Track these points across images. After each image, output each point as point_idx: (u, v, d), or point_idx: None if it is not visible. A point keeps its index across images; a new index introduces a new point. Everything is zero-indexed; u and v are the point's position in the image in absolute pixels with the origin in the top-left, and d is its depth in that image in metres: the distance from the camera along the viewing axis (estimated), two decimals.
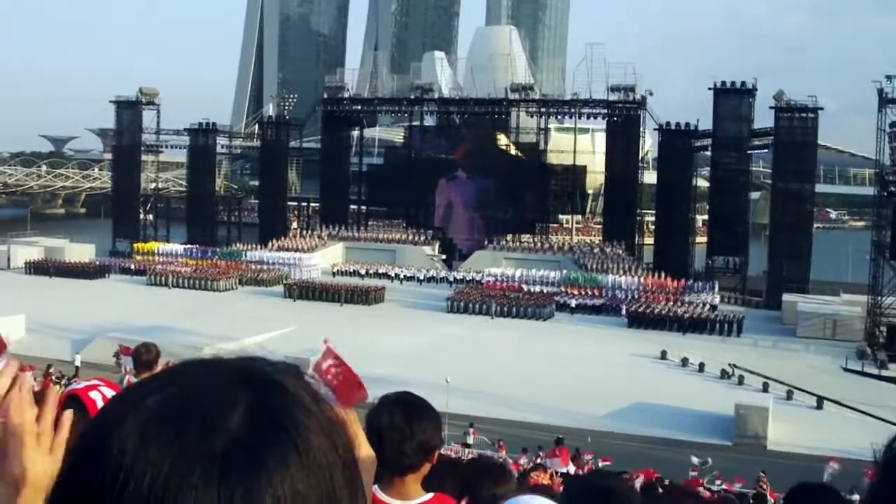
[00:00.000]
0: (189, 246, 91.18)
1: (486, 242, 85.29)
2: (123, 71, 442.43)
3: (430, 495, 4.13)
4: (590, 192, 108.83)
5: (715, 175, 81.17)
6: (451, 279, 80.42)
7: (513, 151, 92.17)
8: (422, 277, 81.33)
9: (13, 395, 1.80)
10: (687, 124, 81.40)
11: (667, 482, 22.28)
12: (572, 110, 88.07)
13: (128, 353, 28.14)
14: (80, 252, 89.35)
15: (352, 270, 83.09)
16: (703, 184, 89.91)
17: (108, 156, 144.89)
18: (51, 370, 40.88)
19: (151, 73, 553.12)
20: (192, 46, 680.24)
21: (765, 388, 47.55)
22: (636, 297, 71.30)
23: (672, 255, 78.30)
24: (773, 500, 26.00)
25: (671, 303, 69.26)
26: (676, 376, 50.81)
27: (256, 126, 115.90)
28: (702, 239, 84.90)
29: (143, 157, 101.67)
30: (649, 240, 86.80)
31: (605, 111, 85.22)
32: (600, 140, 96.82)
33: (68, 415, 1.86)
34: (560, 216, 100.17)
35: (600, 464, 29.92)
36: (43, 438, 1.76)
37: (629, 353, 54.71)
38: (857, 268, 78.67)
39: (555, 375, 48.23)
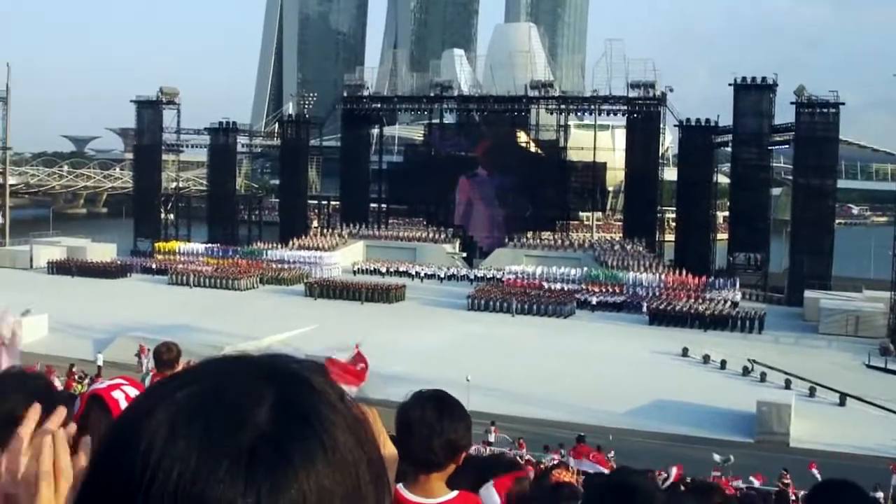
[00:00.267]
0: (210, 245, 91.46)
1: (506, 240, 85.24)
2: (144, 70, 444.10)
3: (455, 493, 4.08)
4: (610, 188, 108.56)
5: (735, 171, 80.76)
6: (472, 277, 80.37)
7: (533, 149, 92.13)
8: (442, 275, 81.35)
9: (47, 443, 1.77)
10: (707, 120, 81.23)
11: (688, 480, 22.23)
12: (592, 107, 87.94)
13: (144, 352, 28.37)
14: (102, 252, 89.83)
15: (372, 269, 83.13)
16: (723, 180, 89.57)
17: (129, 155, 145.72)
18: (73, 369, 41.15)
19: (171, 72, 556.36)
20: (211, 46, 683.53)
21: (787, 385, 47.33)
22: (657, 294, 71.09)
23: (693, 252, 78.13)
24: (794, 497, 25.94)
25: (692, 300, 69.01)
26: (698, 373, 50.60)
27: (276, 125, 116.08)
28: (723, 235, 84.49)
29: (164, 157, 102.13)
30: (670, 237, 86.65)
31: (625, 108, 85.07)
32: (620, 137, 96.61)
33: (61, 412, 1.85)
34: (580, 213, 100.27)
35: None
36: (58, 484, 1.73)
37: (650, 351, 54.54)
38: (879, 264, 78.27)
39: (576, 373, 48.16)
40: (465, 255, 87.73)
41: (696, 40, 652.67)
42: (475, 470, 4.98)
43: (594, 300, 71.06)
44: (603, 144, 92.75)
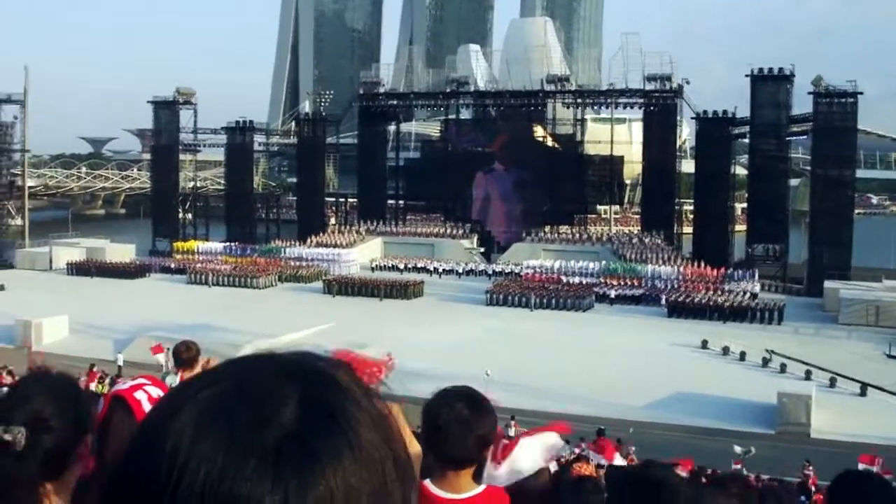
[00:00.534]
0: (228, 244, 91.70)
1: (524, 234, 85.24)
2: (160, 71, 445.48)
3: (482, 488, 4.11)
4: (627, 182, 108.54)
5: (753, 162, 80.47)
6: (490, 272, 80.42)
7: (549, 143, 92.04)
8: (460, 271, 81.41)
9: None
10: (724, 112, 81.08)
11: (709, 471, 22.22)
12: (609, 100, 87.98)
13: (157, 351, 28.35)
14: (121, 252, 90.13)
15: (390, 265, 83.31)
16: (741, 171, 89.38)
17: (147, 156, 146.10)
18: (94, 369, 41.30)
19: (187, 72, 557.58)
20: (227, 46, 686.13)
21: (807, 376, 47.12)
22: (676, 286, 70.96)
23: (711, 244, 77.94)
24: (814, 488, 25.86)
25: (711, 292, 68.85)
26: (718, 365, 50.48)
27: (293, 123, 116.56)
28: (741, 227, 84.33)
29: (181, 157, 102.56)
30: (688, 229, 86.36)
31: (642, 101, 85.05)
32: (637, 130, 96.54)
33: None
34: (598, 207, 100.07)
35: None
36: None
37: (669, 343, 54.43)
38: None
39: (595, 366, 48.05)
40: (482, 250, 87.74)
41: (710, 34, 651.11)
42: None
43: (613, 293, 71.01)
44: (620, 138, 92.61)
